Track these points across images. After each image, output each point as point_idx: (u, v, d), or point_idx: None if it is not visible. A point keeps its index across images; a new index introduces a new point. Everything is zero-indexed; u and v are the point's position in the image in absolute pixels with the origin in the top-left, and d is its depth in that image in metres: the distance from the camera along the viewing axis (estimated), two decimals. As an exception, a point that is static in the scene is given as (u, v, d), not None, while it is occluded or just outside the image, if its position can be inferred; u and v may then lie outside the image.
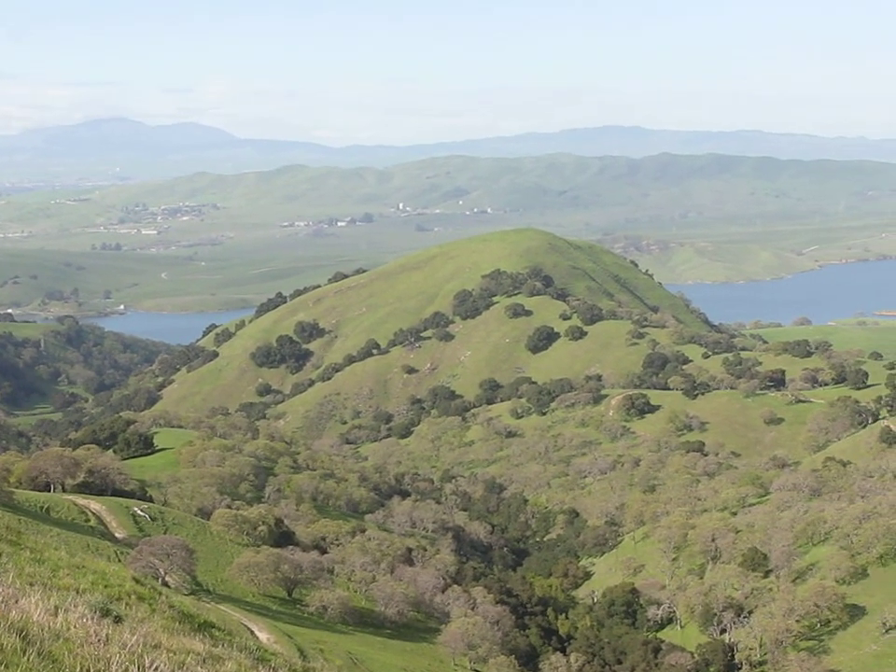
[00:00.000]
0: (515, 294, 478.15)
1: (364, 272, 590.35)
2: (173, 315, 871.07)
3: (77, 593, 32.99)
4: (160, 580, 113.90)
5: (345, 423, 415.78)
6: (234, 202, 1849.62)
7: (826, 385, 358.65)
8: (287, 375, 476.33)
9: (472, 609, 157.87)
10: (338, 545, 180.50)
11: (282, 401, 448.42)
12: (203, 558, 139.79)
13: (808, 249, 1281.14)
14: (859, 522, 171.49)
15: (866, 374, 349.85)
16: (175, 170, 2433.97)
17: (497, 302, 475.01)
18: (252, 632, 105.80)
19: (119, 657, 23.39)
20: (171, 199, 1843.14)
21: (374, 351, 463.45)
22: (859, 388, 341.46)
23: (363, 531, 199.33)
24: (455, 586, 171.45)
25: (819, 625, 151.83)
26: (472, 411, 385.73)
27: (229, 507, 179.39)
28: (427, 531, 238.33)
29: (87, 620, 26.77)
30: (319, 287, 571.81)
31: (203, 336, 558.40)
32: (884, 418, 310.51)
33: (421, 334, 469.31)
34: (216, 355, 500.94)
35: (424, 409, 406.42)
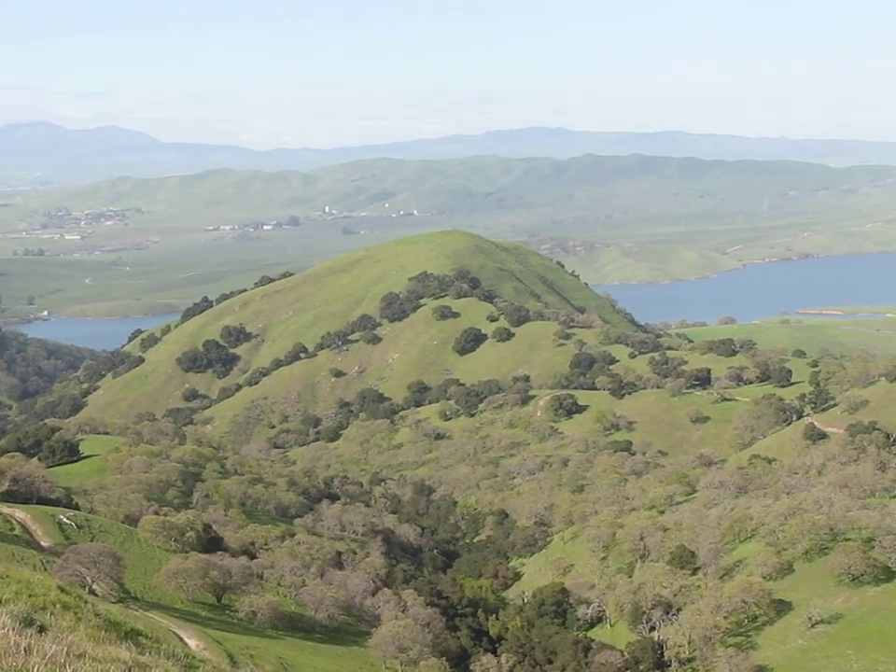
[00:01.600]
0: (442, 296, 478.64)
1: (291, 275, 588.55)
2: (97, 321, 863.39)
3: (0, 603, 32.59)
4: (86, 588, 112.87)
5: (273, 427, 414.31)
6: (158, 206, 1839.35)
7: (751, 383, 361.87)
8: (215, 380, 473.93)
9: (403, 611, 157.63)
10: (267, 550, 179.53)
11: (209, 406, 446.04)
12: (131, 565, 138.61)
13: (732, 249, 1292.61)
14: (784, 518, 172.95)
15: (790, 372, 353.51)
16: (97, 174, 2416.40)
17: (424, 305, 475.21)
18: (181, 639, 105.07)
19: (41, 667, 23.13)
20: (94, 203, 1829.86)
21: (302, 355, 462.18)
22: (783, 386, 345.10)
23: (292, 535, 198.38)
24: (386, 589, 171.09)
25: (746, 621, 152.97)
26: (401, 413, 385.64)
27: (156, 513, 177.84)
28: (356, 534, 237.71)
29: (9, 631, 26.43)
30: (246, 290, 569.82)
31: (129, 341, 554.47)
32: (808, 415, 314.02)
33: (348, 337, 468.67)
34: (141, 360, 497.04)
35: (352, 412, 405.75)
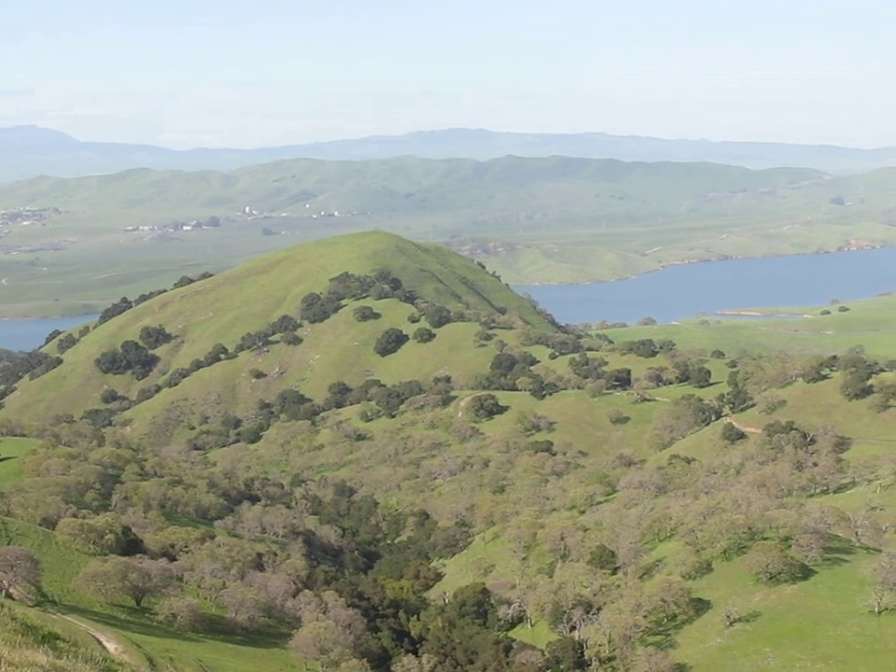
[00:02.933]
0: (363, 297, 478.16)
1: (210, 276, 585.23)
2: (14, 322, 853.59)
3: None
4: (3, 592, 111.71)
5: (193, 428, 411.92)
6: (77, 206, 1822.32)
7: (670, 383, 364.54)
8: (134, 381, 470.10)
9: (324, 613, 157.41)
10: (187, 552, 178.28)
11: (128, 408, 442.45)
12: (49, 569, 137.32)
13: (652, 250, 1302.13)
14: (703, 517, 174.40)
15: (709, 373, 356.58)
16: (13, 173, 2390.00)
17: (345, 305, 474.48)
18: (100, 642, 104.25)
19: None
20: (10, 203, 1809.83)
21: (222, 356, 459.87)
22: (702, 386, 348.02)
23: (212, 537, 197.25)
24: (307, 591, 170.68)
25: (665, 620, 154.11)
26: (322, 414, 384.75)
27: (74, 516, 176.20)
28: (277, 536, 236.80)
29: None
30: (165, 291, 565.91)
31: (47, 343, 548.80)
32: (726, 415, 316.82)
33: (269, 338, 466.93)
34: (59, 361, 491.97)
35: (273, 413, 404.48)
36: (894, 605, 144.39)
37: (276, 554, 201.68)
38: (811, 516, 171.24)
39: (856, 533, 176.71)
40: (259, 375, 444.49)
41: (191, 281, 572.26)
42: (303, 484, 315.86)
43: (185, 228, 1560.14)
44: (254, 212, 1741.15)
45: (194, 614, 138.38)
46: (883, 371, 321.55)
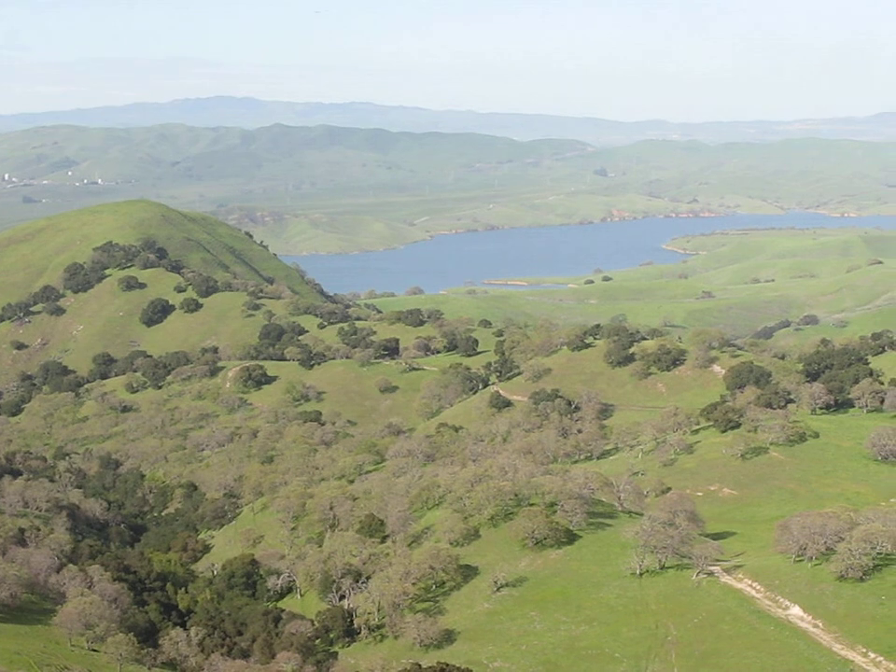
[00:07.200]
0: (128, 267, 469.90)
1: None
2: None
3: None
4: None
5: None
6: None
7: (438, 352, 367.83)
8: None
9: (89, 587, 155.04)
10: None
11: None
12: None
13: (420, 220, 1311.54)
14: (471, 485, 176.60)
15: (476, 342, 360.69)
16: None
17: (109, 275, 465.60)
18: None
19: None
20: None
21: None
22: (469, 355, 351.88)
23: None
24: (71, 565, 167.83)
25: (434, 587, 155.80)
26: (86, 386, 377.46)
27: None
28: (40, 510, 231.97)
29: None
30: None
31: None
32: (493, 384, 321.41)
33: (30, 309, 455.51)
34: None
35: (35, 385, 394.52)
36: (655, 567, 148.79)
37: (39, 529, 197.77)
38: (576, 482, 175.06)
39: (619, 498, 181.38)
40: (21, 347, 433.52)
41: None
42: (67, 458, 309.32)
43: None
44: (14, 179, 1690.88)
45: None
46: (644, 339, 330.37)
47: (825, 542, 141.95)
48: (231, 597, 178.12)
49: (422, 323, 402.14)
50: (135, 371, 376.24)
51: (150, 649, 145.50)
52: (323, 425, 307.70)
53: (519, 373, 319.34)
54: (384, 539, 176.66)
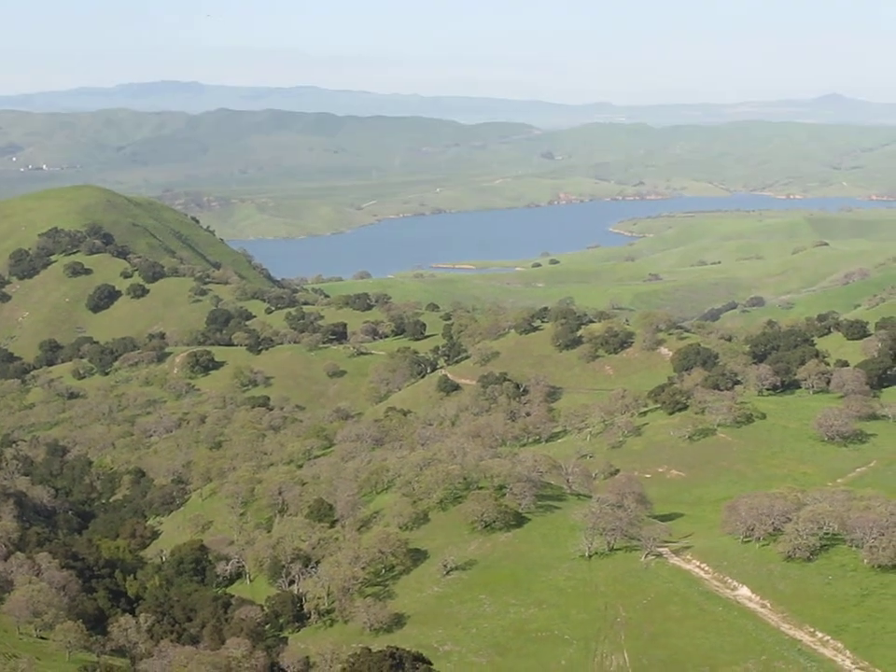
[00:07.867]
0: (74, 252, 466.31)
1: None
2: None
3: None
4: None
5: None
6: None
7: (386, 336, 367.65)
8: None
9: (37, 575, 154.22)
10: None
11: None
12: None
13: (367, 204, 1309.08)
14: (419, 469, 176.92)
15: (424, 325, 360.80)
16: None
17: (55, 261, 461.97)
18: None
19: None
20: None
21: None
22: (417, 339, 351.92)
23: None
24: (18, 553, 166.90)
25: (384, 571, 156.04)
26: (32, 373, 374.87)
27: None
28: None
29: None
30: None
31: None
32: (441, 367, 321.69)
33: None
34: None
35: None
36: (604, 549, 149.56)
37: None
38: (524, 465, 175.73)
39: (567, 480, 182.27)
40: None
41: None
42: (14, 445, 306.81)
43: None
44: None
45: None
46: (592, 321, 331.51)
47: (773, 523, 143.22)
48: (180, 583, 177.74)
49: (369, 307, 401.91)
50: (82, 358, 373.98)
51: (99, 636, 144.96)
52: (271, 410, 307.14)
53: (467, 357, 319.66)
54: (333, 524, 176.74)
